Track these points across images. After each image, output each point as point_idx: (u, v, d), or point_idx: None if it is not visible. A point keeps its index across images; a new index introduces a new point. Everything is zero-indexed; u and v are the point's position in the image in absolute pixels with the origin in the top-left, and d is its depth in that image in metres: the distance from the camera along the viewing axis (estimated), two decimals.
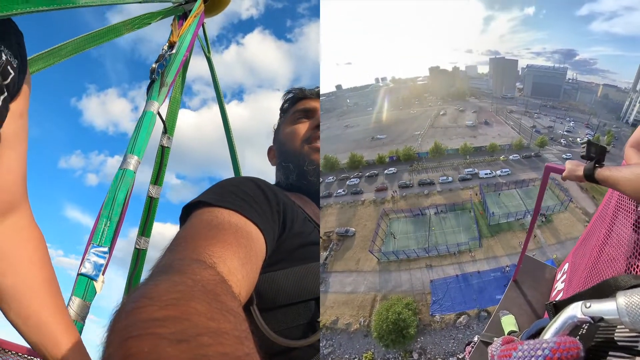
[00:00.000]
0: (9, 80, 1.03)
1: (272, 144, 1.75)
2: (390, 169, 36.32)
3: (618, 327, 0.74)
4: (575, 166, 1.44)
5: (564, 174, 1.51)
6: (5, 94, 1.03)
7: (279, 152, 1.64)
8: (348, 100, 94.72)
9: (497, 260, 21.58)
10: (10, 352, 1.74)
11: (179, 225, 1.07)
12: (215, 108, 4.09)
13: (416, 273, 22.00)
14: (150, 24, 2.92)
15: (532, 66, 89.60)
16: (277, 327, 1.02)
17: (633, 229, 1.46)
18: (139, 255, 3.19)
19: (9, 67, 1.03)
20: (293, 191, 1.48)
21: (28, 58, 1.71)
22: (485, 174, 32.40)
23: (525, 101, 68.79)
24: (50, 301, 1.17)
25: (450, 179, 32.48)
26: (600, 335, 0.78)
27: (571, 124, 49.75)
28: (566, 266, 2.56)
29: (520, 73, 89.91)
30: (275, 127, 1.75)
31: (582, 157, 1.37)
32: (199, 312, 0.48)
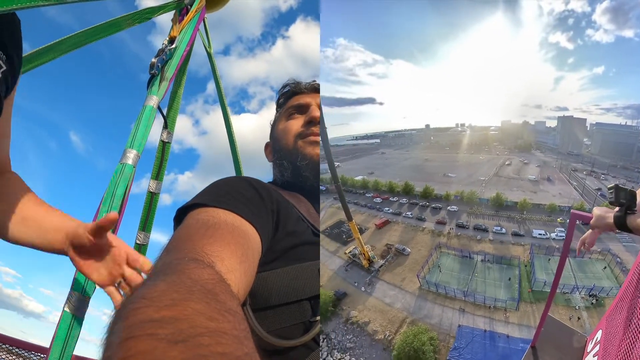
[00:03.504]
0: None
1: (269, 140, 1.52)
2: (452, 206, 34.19)
3: None
4: (604, 213, 1.10)
5: (592, 221, 1.17)
6: None
7: (274, 149, 1.42)
8: (432, 138, 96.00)
9: (530, 331, 16.44)
10: (32, 352, 1.83)
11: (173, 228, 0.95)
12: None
13: (448, 312, 19.50)
14: (150, 18, 2.60)
15: (601, 124, 73.48)
16: (270, 327, 0.91)
17: None
18: (139, 251, 2.90)
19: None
20: (289, 188, 1.28)
21: (28, 54, 1.69)
22: (539, 234, 27.78)
23: (593, 160, 54.95)
24: (42, 206, 1.20)
25: (504, 230, 29.16)
26: None
27: None
28: (599, 334, 1.80)
29: (588, 129, 75.50)
30: (272, 122, 1.51)
31: (611, 203, 1.02)
32: (198, 312, 0.42)
